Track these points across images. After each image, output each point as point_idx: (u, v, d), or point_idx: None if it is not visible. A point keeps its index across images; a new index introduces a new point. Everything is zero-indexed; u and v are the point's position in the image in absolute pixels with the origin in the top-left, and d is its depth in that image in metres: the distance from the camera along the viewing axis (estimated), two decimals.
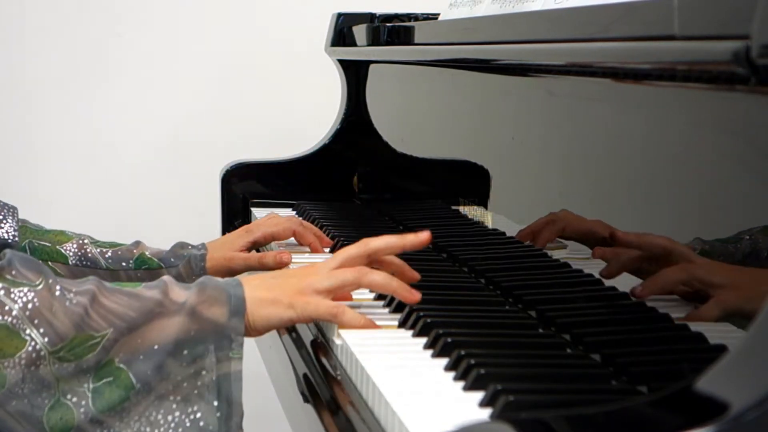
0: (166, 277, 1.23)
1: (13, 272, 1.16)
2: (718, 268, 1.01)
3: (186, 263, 1.61)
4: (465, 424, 0.80)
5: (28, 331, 1.14)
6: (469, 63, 1.60)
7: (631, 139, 1.19)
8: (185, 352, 1.18)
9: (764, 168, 0.93)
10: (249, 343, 1.73)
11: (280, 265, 1.56)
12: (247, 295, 1.21)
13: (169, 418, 1.18)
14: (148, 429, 1.18)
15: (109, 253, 1.60)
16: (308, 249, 1.71)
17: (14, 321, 1.14)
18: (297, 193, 2.19)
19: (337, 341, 1.22)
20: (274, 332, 1.41)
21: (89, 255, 1.58)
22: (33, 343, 1.14)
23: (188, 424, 1.18)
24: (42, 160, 2.82)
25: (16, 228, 1.46)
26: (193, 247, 1.63)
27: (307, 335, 1.33)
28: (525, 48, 1.35)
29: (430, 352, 1.14)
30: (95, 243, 1.60)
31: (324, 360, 1.23)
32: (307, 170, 2.21)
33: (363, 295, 1.39)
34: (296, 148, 2.26)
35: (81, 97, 2.83)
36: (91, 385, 1.16)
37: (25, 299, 1.15)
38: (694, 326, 1.02)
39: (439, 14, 1.95)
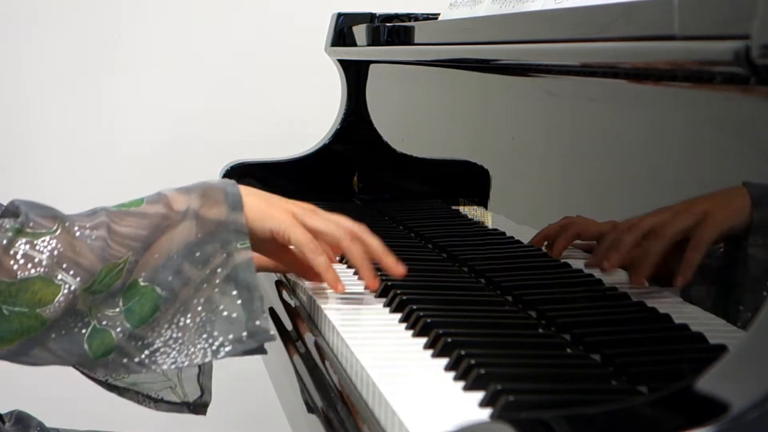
0: (163, 189, 1.29)
1: (31, 224, 1.22)
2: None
3: None
4: (465, 424, 0.80)
5: (60, 276, 1.21)
6: (469, 63, 1.60)
7: (631, 139, 1.19)
8: (197, 254, 1.25)
9: (764, 168, 0.93)
10: None
11: (295, 266, 1.56)
12: (243, 197, 1.28)
13: (197, 319, 1.24)
14: (179, 333, 1.24)
15: None
16: None
17: (46, 270, 1.20)
18: (297, 193, 2.17)
19: (335, 338, 1.22)
20: (277, 338, 1.41)
21: None
22: (67, 286, 1.21)
23: (214, 319, 1.24)
24: (42, 160, 2.82)
25: None
26: None
27: (308, 336, 1.33)
28: (525, 48, 1.35)
29: (430, 352, 1.14)
30: None
31: (324, 360, 1.23)
32: (307, 170, 2.21)
33: (364, 293, 1.39)
34: (296, 148, 2.25)
35: (81, 96, 2.82)
36: (122, 307, 1.23)
37: (50, 247, 1.21)
38: (694, 326, 1.02)
39: (439, 14, 1.95)
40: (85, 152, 2.83)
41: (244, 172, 2.18)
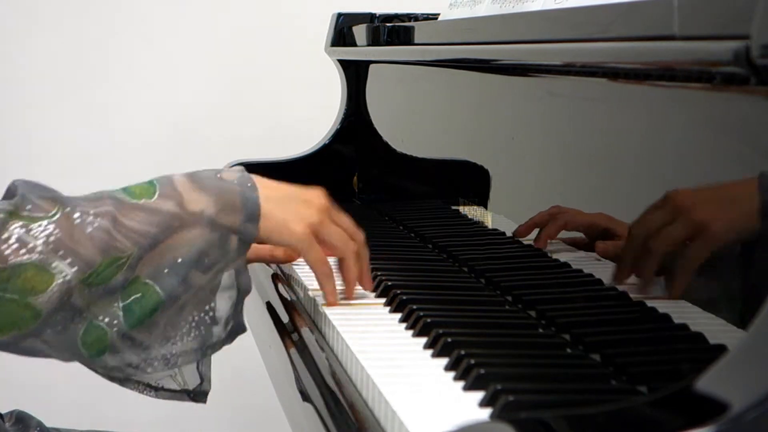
0: (176, 180, 1.24)
1: (29, 207, 1.16)
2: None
3: None
4: (465, 424, 0.80)
5: (55, 264, 1.14)
6: (469, 63, 1.60)
7: (631, 139, 1.19)
8: (206, 261, 1.22)
9: (764, 168, 0.93)
10: (249, 342, 1.74)
11: (291, 259, 1.56)
12: (261, 200, 1.24)
13: (189, 318, 1.23)
14: (171, 333, 1.23)
15: None
16: None
17: (40, 257, 1.14)
18: None
19: (335, 338, 1.22)
20: (274, 332, 1.41)
21: None
22: (63, 275, 1.15)
23: (207, 321, 1.24)
24: (41, 160, 2.82)
25: None
26: None
27: (308, 336, 1.33)
28: (525, 48, 1.35)
29: (430, 351, 1.14)
30: None
31: (324, 360, 1.23)
32: (307, 170, 2.21)
33: (365, 294, 1.39)
34: (296, 148, 2.25)
35: (80, 97, 2.83)
36: (121, 304, 1.19)
37: (46, 232, 1.15)
38: (694, 326, 1.02)
39: (439, 14, 1.95)
40: (85, 152, 2.83)
41: None
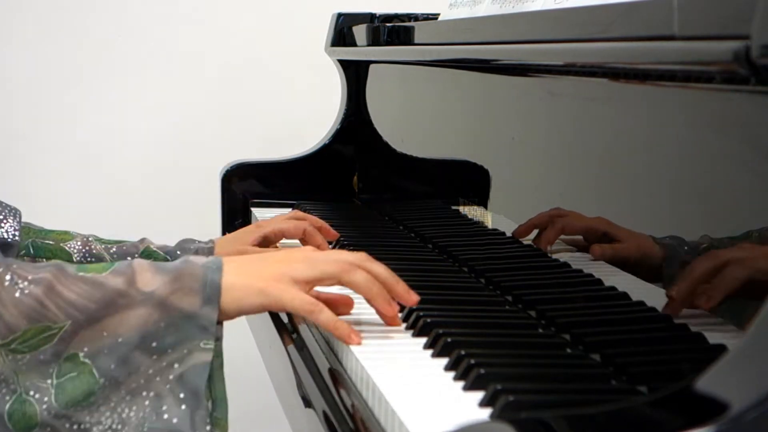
0: (136, 261, 1.18)
1: None
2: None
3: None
4: (465, 424, 0.80)
5: None
6: (469, 63, 1.60)
7: (631, 139, 1.19)
8: (154, 344, 1.14)
9: (764, 168, 0.93)
10: (249, 342, 1.74)
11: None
12: (223, 281, 1.17)
13: (141, 414, 1.14)
14: (119, 426, 1.15)
15: (114, 249, 1.58)
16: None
17: None
18: (297, 193, 2.19)
19: (335, 338, 1.22)
20: (274, 332, 1.41)
21: (94, 252, 1.55)
22: None
23: (154, 419, 1.14)
24: (41, 160, 2.82)
25: (17, 228, 1.44)
26: (200, 241, 1.62)
27: (307, 336, 1.33)
28: (525, 48, 1.35)
29: (430, 352, 1.14)
30: (100, 240, 1.59)
31: (324, 360, 1.23)
32: (307, 170, 2.21)
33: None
34: (296, 148, 2.26)
35: (80, 97, 2.82)
36: (54, 381, 1.13)
37: None
38: (694, 326, 1.02)
39: (439, 14, 1.95)
40: (84, 153, 2.83)
41: (244, 172, 2.18)
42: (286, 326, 1.40)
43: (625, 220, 1.18)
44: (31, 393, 1.13)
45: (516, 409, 0.91)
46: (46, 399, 1.13)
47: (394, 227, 1.87)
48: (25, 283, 1.13)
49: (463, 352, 1.07)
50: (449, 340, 1.12)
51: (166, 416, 1.14)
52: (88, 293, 1.14)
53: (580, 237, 1.30)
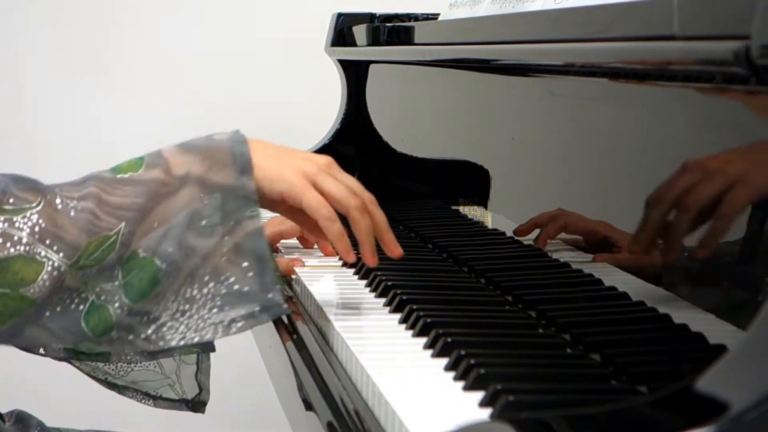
0: (164, 149, 1.22)
1: (11, 200, 1.16)
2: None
3: None
4: (465, 424, 0.80)
5: (42, 253, 1.14)
6: (469, 63, 1.60)
7: (631, 139, 1.19)
8: (203, 222, 1.18)
9: (764, 168, 0.93)
10: (249, 341, 1.74)
11: (292, 272, 1.54)
12: (253, 156, 1.21)
13: (204, 290, 1.18)
14: (186, 306, 1.18)
15: None
16: (318, 252, 1.68)
17: (27, 248, 1.14)
18: None
19: (335, 338, 1.22)
20: (274, 332, 1.41)
21: None
22: (51, 262, 1.14)
23: (224, 292, 1.18)
24: (41, 160, 2.82)
25: None
26: None
27: (307, 335, 1.33)
28: (525, 48, 1.35)
29: (430, 352, 1.14)
30: None
31: (324, 360, 1.23)
32: None
33: (364, 294, 1.39)
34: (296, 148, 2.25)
35: (80, 96, 2.83)
36: (121, 281, 1.17)
37: (30, 223, 1.15)
38: (694, 326, 1.03)
39: (439, 14, 1.95)
40: (84, 153, 2.83)
41: None
42: (286, 326, 1.40)
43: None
44: (102, 298, 1.17)
45: (516, 409, 0.91)
46: (117, 299, 1.17)
47: (394, 227, 1.86)
48: (75, 202, 1.16)
49: (463, 352, 1.07)
50: (449, 340, 1.12)
51: (236, 287, 1.18)
52: (133, 191, 1.18)
53: (580, 238, 1.30)
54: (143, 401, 1.39)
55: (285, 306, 1.20)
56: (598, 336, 1.14)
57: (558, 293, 1.30)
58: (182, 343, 1.19)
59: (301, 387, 1.22)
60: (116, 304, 1.17)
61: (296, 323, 1.37)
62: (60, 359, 1.32)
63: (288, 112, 2.85)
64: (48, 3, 2.80)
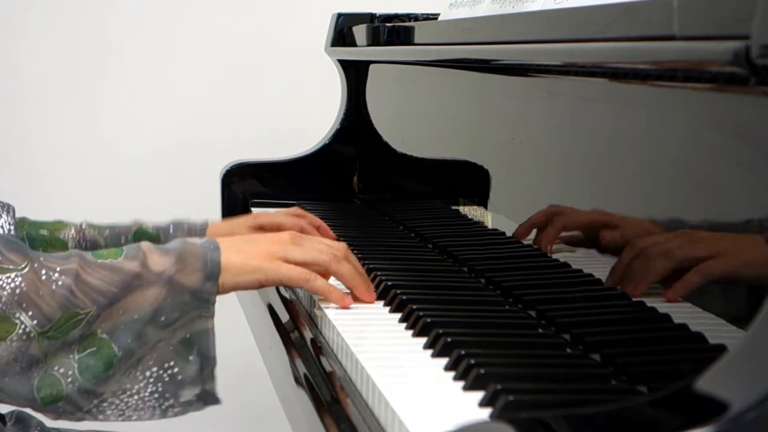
0: (144, 244, 1.27)
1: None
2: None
3: (185, 234, 1.60)
4: (465, 424, 0.80)
5: (17, 315, 1.20)
6: (469, 63, 1.60)
7: (631, 139, 1.19)
8: (162, 318, 1.24)
9: (764, 168, 0.93)
10: (249, 343, 1.74)
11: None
12: (222, 259, 1.27)
13: (147, 373, 1.25)
14: (128, 384, 1.25)
15: (107, 232, 1.61)
16: None
17: (4, 307, 1.19)
18: (297, 193, 2.19)
19: (335, 338, 1.22)
20: (274, 333, 1.41)
21: (88, 237, 1.61)
22: (23, 326, 1.20)
23: (167, 378, 1.25)
24: (41, 160, 2.82)
25: (11, 223, 1.49)
26: (193, 221, 1.63)
27: (308, 336, 1.33)
28: (525, 48, 1.35)
29: (430, 351, 1.14)
30: (92, 226, 1.62)
31: (324, 360, 1.23)
32: (307, 170, 2.21)
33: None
34: (296, 148, 2.25)
35: (80, 97, 2.83)
36: (76, 356, 1.23)
37: (12, 285, 1.20)
38: (694, 326, 1.03)
39: (439, 14, 1.95)
40: (84, 153, 2.83)
41: (244, 172, 2.18)
42: (286, 326, 1.40)
43: (625, 220, 1.18)
44: (56, 368, 1.22)
45: (516, 409, 0.91)
46: (70, 373, 1.23)
47: (394, 227, 1.87)
48: (56, 275, 1.22)
49: (463, 352, 1.07)
50: (449, 340, 1.12)
51: (178, 375, 1.25)
52: (109, 278, 1.23)
53: (580, 234, 1.30)
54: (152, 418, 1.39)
55: (219, 397, 1.28)
56: (598, 336, 1.14)
57: (558, 293, 1.30)
58: (120, 419, 1.26)
59: (299, 383, 1.22)
60: (69, 379, 1.22)
61: (297, 324, 1.37)
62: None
63: (288, 112, 2.85)
64: (48, 3, 2.80)
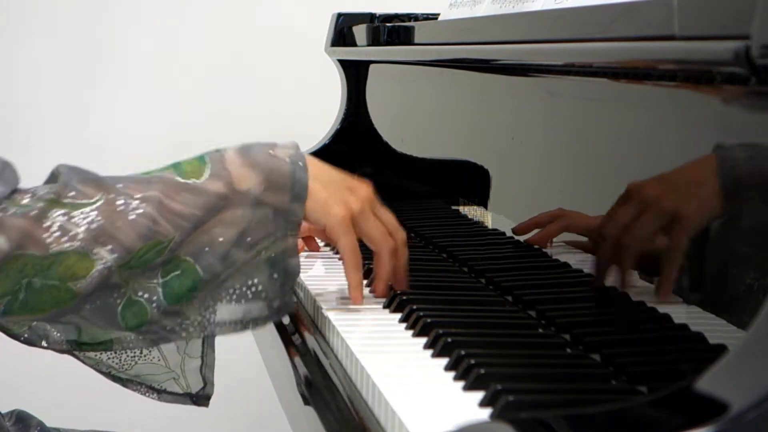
0: (228, 157, 1.24)
1: (71, 193, 1.18)
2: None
3: None
4: (465, 424, 0.80)
5: (96, 251, 1.16)
6: (469, 63, 1.60)
7: (631, 139, 1.19)
8: (248, 239, 1.22)
9: (764, 168, 0.93)
10: (250, 343, 1.74)
11: (302, 249, 1.57)
12: (309, 184, 1.25)
13: (231, 290, 1.22)
14: (211, 301, 1.22)
15: None
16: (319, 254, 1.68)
17: (82, 244, 1.15)
18: None
19: (335, 338, 1.22)
20: (274, 332, 1.41)
21: None
22: (103, 261, 1.16)
23: (250, 296, 1.23)
24: (41, 160, 2.82)
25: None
26: None
27: (308, 337, 1.33)
28: (525, 48, 1.35)
29: (430, 352, 1.14)
30: None
31: (324, 360, 1.23)
32: None
33: (364, 294, 1.39)
34: None
35: (80, 96, 2.82)
36: (160, 280, 1.20)
37: (88, 219, 1.16)
38: (694, 326, 1.03)
39: (439, 14, 1.95)
40: (84, 153, 2.83)
41: None
42: (286, 327, 1.40)
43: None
44: (140, 294, 1.19)
45: (516, 409, 0.91)
46: (154, 297, 1.20)
47: None
48: (136, 202, 1.18)
49: (463, 352, 1.07)
50: (449, 340, 1.12)
51: (261, 291, 1.23)
52: (194, 201, 1.20)
53: (581, 237, 1.30)
54: (147, 394, 1.40)
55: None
56: (598, 336, 1.14)
57: (558, 293, 1.30)
58: (203, 335, 1.24)
59: (299, 384, 1.22)
60: (153, 303, 1.20)
61: (298, 325, 1.37)
62: (62, 351, 1.34)
63: (288, 112, 2.85)
64: (48, 3, 2.80)
